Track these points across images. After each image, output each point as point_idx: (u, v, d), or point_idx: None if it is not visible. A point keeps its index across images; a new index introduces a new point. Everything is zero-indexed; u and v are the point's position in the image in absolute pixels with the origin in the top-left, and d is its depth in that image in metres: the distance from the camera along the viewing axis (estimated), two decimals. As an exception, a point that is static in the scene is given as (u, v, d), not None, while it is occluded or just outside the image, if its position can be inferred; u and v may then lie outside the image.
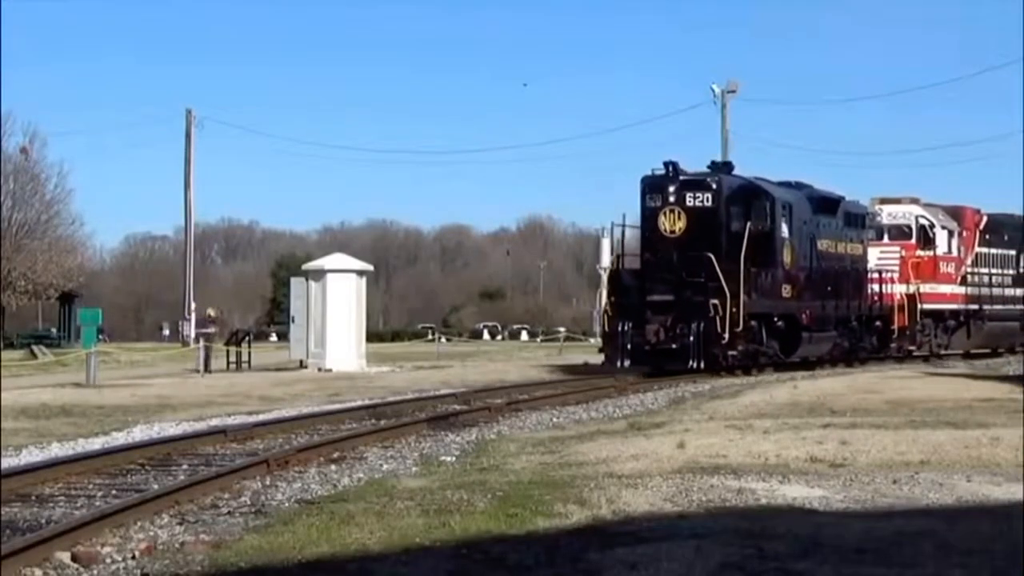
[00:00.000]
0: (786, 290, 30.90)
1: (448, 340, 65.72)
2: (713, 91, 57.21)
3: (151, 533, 9.65)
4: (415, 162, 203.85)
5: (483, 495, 10.99)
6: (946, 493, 11.01)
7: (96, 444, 16.17)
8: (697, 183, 29.50)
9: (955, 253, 39.27)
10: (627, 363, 28.32)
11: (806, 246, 32.07)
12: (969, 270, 40.10)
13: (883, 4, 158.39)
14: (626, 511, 10.15)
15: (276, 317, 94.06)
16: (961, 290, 39.47)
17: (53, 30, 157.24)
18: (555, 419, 19.35)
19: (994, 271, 41.77)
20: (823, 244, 32.88)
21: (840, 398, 21.34)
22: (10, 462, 14.06)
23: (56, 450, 15.55)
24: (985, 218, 41.18)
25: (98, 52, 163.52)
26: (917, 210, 38.42)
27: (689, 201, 29.17)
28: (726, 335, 28.05)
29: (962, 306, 39.59)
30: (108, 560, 8.68)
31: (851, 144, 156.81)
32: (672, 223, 29.15)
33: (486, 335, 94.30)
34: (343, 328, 34.05)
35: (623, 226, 30.55)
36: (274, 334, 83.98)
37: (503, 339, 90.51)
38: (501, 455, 14.29)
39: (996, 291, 41.69)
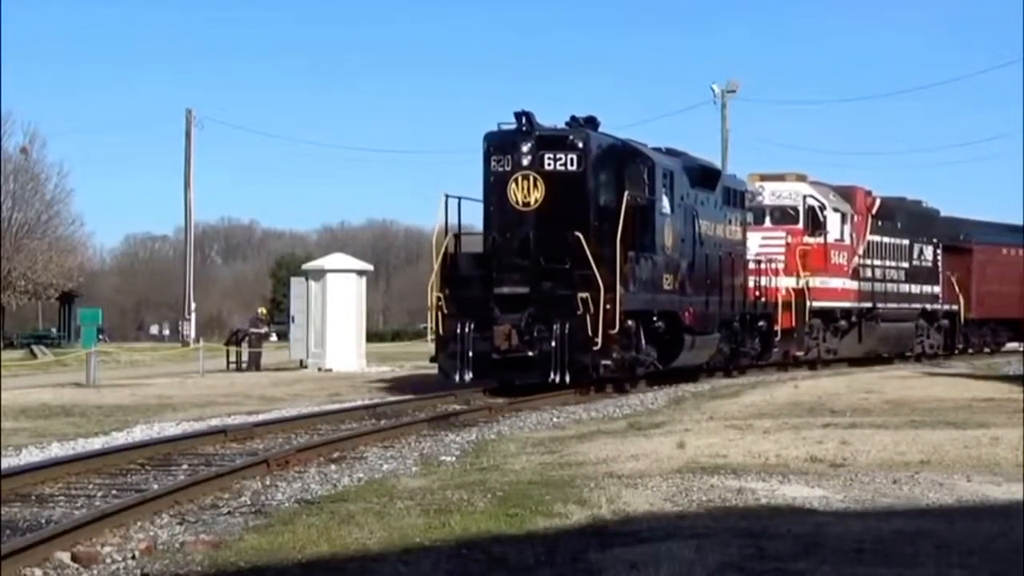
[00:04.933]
0: (667, 281, 24.86)
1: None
2: (713, 91, 57.24)
3: (151, 533, 9.65)
4: (415, 162, 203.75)
5: (483, 495, 10.99)
6: (946, 493, 11.01)
7: (96, 444, 16.18)
8: (558, 141, 23.12)
9: (847, 241, 34.27)
10: (468, 376, 22.57)
11: (688, 227, 25.95)
12: (861, 261, 35.23)
13: (883, 4, 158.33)
14: (626, 511, 10.15)
15: (276, 317, 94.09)
16: (854, 285, 34.66)
17: (53, 30, 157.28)
18: (555, 419, 19.34)
19: (888, 263, 36.96)
20: (703, 225, 26.68)
21: (840, 398, 21.40)
22: (10, 462, 14.06)
23: (56, 450, 15.55)
24: (877, 201, 36.39)
25: (98, 52, 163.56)
26: (805, 189, 33.09)
27: (548, 164, 22.89)
28: (598, 339, 22.08)
29: (855, 304, 34.74)
30: (108, 560, 8.68)
31: (851, 144, 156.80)
32: (526, 193, 22.89)
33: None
34: (343, 328, 34.10)
35: (459, 198, 23.80)
36: (274, 334, 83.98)
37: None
38: (501, 455, 14.30)
39: (890, 287, 36.90)
